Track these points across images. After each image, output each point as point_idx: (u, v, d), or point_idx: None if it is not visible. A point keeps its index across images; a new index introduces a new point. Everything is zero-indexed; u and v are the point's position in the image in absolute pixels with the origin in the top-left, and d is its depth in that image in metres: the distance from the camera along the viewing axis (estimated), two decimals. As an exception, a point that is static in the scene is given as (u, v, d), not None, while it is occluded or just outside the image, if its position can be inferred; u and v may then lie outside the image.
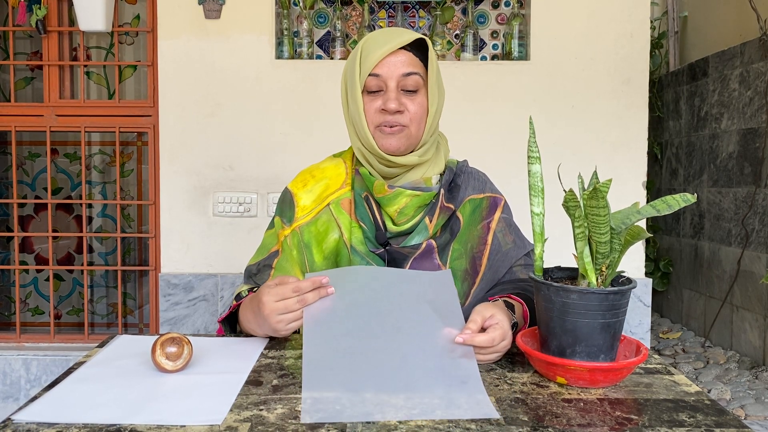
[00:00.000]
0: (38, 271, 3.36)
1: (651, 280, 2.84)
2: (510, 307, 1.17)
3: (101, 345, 1.17)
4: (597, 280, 1.00)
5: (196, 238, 2.66)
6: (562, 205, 1.02)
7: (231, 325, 1.31)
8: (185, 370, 1.04)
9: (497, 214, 1.40)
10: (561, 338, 1.00)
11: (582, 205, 0.99)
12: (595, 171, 1.05)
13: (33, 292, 3.38)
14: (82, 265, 2.79)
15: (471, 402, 0.93)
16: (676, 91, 4.05)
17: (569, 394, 0.98)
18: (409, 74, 1.29)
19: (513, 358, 1.11)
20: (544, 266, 1.07)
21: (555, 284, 0.99)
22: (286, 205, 1.41)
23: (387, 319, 1.11)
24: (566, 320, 0.99)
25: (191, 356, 1.04)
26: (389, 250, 1.33)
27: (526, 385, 1.01)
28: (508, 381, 1.03)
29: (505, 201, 1.44)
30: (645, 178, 2.69)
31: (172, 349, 1.03)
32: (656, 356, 1.16)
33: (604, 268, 1.01)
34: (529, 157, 1.05)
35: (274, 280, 1.13)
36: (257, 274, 1.37)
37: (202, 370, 1.05)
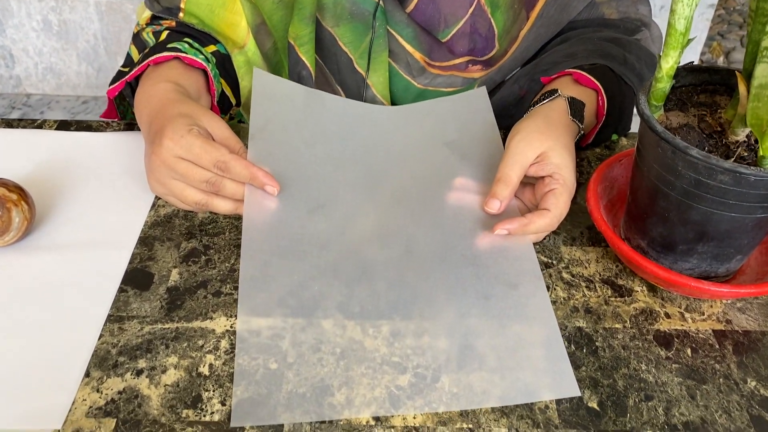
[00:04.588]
0: None
1: None
2: (576, 107, 0.68)
3: None
4: (778, 148, 0.51)
5: None
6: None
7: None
8: (20, 243, 0.62)
9: None
10: (675, 229, 0.56)
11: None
12: None
13: None
14: None
15: (531, 354, 0.54)
16: None
17: (666, 316, 0.58)
18: None
19: (572, 211, 0.67)
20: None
21: (691, 152, 0.50)
22: None
23: (385, 184, 0.67)
24: (695, 208, 0.54)
25: (30, 220, 0.61)
26: None
27: (594, 288, 0.61)
28: (564, 271, 0.62)
29: None
30: None
31: (-9, 216, 0.59)
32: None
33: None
34: None
35: (204, 118, 0.63)
36: None
37: (46, 242, 0.62)
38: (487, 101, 0.78)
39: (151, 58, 0.71)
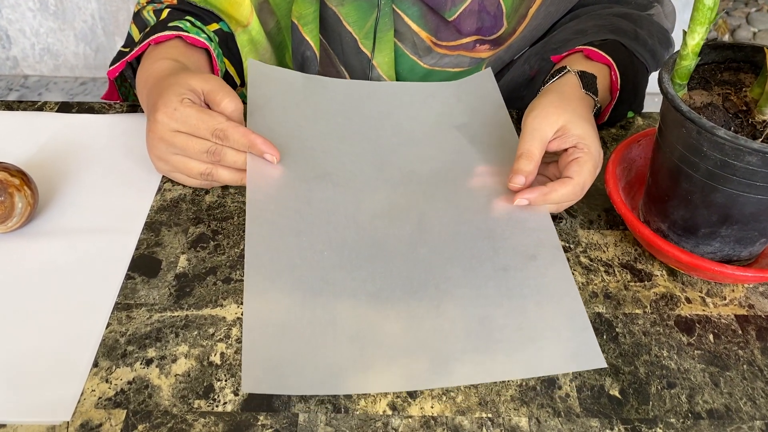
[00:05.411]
0: None
1: None
2: (588, 80, 0.66)
3: None
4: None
5: None
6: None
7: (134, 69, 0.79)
8: (23, 229, 0.60)
9: None
10: (697, 212, 0.55)
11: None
12: None
13: None
14: None
15: (554, 323, 0.53)
16: None
17: (687, 301, 0.57)
18: None
19: (589, 193, 0.65)
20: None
21: (718, 133, 0.48)
22: None
23: (392, 161, 0.65)
24: (719, 191, 0.52)
25: (33, 205, 0.59)
26: None
27: (613, 272, 0.59)
28: (582, 255, 0.61)
29: None
30: None
31: (-7, 202, 0.57)
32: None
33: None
34: None
35: (193, 80, 0.61)
36: None
37: (50, 228, 0.60)
38: (494, 83, 0.76)
39: (152, 37, 0.68)
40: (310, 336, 0.51)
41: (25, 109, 0.73)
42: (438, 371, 0.49)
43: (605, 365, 0.50)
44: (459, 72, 0.82)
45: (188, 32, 0.69)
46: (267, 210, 0.58)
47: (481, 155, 0.66)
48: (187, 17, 0.72)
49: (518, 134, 0.68)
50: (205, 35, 0.71)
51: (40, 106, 0.74)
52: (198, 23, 0.73)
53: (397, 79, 0.82)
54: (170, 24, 0.70)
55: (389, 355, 0.50)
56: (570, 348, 0.51)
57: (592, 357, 0.51)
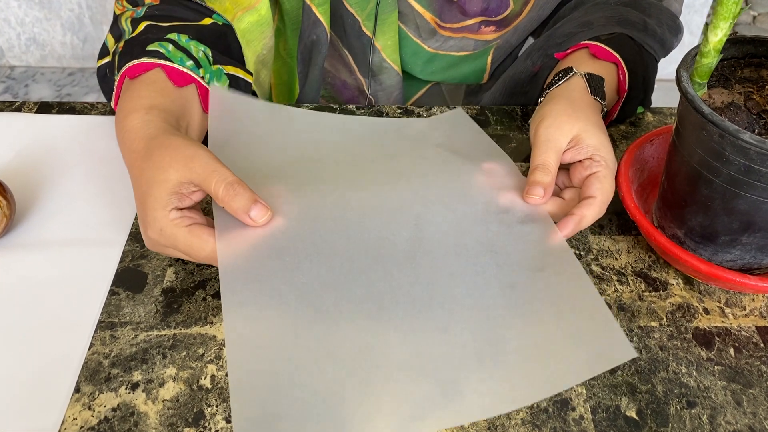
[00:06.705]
0: None
1: None
2: (595, 84, 0.62)
3: None
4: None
5: None
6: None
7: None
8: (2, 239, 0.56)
9: None
10: (717, 219, 0.51)
11: None
12: None
13: None
14: None
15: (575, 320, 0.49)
16: None
17: (705, 312, 0.54)
18: None
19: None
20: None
21: (743, 137, 0.45)
22: None
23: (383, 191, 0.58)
24: (742, 197, 0.49)
25: (10, 216, 0.56)
26: None
27: (627, 281, 0.56)
28: (594, 263, 0.57)
29: None
30: None
31: (-35, 213, 0.53)
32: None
33: None
34: None
35: (175, 173, 0.49)
36: None
37: (28, 240, 0.56)
38: (467, 118, 0.71)
39: (128, 66, 0.58)
40: (302, 369, 0.46)
41: (1, 110, 0.69)
42: (453, 407, 0.45)
43: (635, 354, 0.46)
44: (464, 56, 0.78)
45: (171, 61, 0.58)
46: (238, 232, 0.50)
47: (468, 161, 0.62)
48: (169, 35, 0.61)
49: (504, 152, 0.64)
50: (191, 62, 0.60)
51: (18, 107, 0.70)
52: (182, 40, 0.61)
53: (402, 63, 0.78)
54: (149, 47, 0.59)
55: (396, 393, 0.46)
56: (594, 348, 0.47)
57: (619, 350, 0.47)
